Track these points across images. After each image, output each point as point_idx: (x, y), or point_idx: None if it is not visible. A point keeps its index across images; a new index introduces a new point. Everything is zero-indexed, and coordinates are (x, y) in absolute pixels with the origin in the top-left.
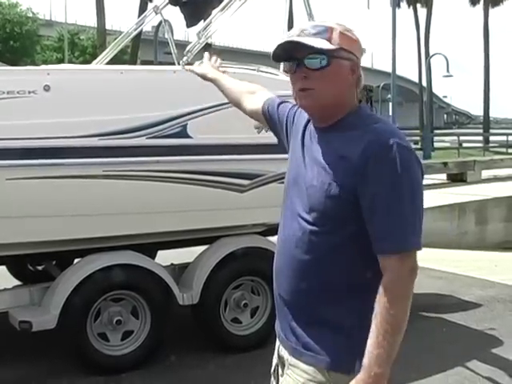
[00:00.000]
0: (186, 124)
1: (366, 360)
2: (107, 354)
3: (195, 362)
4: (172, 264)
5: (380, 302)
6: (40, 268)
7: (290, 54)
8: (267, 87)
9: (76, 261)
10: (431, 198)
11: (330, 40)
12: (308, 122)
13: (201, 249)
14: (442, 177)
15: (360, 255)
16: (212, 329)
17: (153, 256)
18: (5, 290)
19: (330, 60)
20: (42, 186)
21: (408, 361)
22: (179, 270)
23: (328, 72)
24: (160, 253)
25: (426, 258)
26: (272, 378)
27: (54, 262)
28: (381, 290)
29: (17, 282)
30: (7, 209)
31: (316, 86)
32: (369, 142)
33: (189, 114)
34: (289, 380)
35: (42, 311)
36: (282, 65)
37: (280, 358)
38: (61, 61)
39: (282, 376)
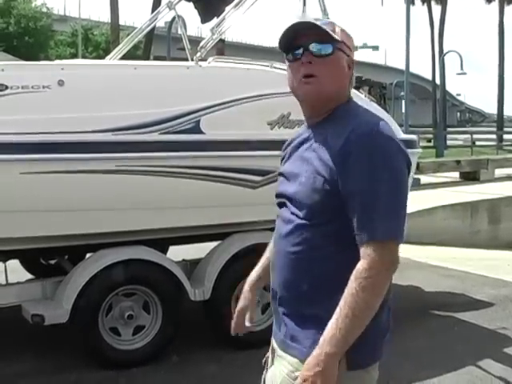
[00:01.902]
0: (199, 120)
1: (321, 338)
2: (119, 348)
3: (205, 359)
4: (184, 260)
5: (348, 286)
6: (52, 262)
7: (293, 43)
8: (280, 83)
9: (88, 255)
10: (444, 197)
11: (334, 32)
12: (291, 141)
13: (212, 244)
14: (455, 175)
15: (347, 250)
16: (223, 325)
17: (164, 251)
18: (18, 283)
19: (334, 49)
20: (55, 181)
21: (419, 359)
22: (191, 266)
23: (331, 60)
24: (171, 248)
25: (438, 256)
26: (264, 371)
27: (66, 257)
28: (352, 275)
29: (30, 276)
30: (20, 203)
31: (319, 72)
32: (350, 133)
33: (202, 109)
34: (275, 371)
35: (54, 305)
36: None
37: (272, 350)
38: (74, 56)
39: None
